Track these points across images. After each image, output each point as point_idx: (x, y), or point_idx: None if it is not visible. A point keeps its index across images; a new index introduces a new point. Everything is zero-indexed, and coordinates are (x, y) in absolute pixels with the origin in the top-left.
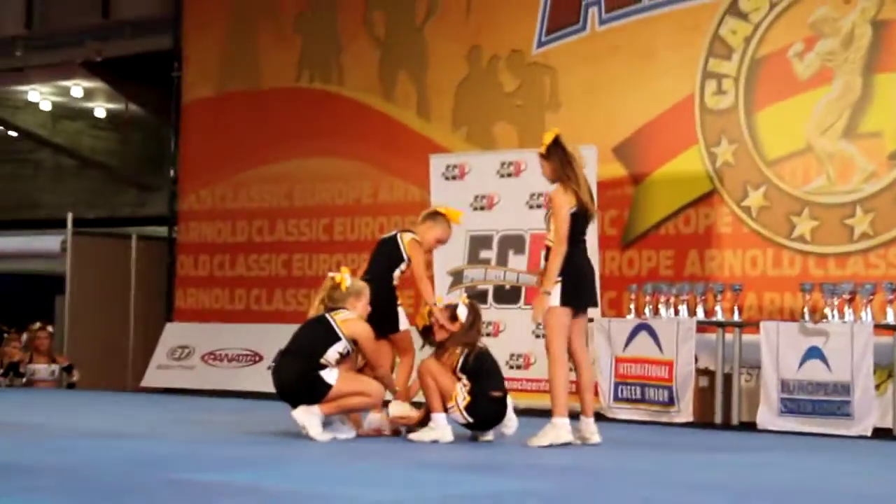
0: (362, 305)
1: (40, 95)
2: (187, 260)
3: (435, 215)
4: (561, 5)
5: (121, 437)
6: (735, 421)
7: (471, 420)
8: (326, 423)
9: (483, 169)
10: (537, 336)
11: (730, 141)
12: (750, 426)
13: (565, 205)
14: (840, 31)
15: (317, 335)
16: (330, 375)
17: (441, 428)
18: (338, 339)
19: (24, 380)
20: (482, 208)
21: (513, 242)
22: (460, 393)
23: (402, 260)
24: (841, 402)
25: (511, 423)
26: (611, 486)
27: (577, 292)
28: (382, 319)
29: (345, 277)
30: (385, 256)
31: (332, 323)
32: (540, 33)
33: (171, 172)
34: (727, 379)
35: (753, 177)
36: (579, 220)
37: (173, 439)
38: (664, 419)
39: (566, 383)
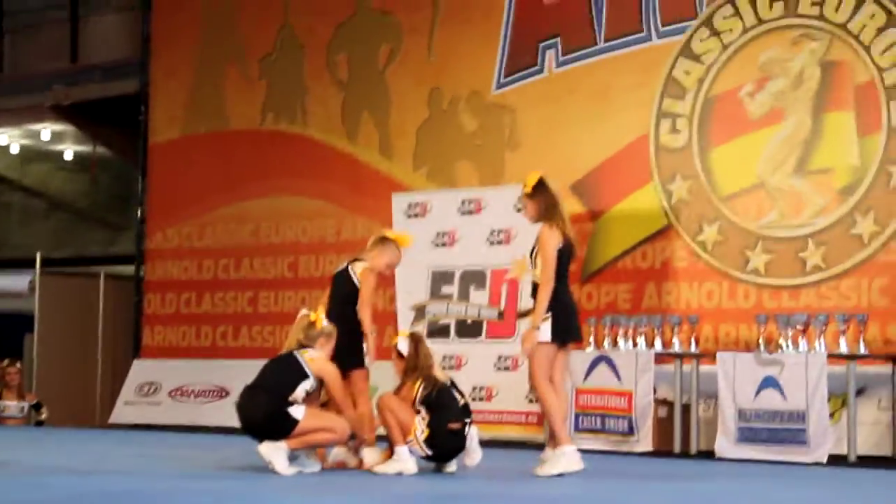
0: (329, 348)
1: (9, 138)
2: (154, 298)
3: (384, 241)
4: (519, 48)
5: (90, 473)
6: (693, 450)
7: (430, 452)
8: (292, 458)
9: (444, 207)
10: (499, 369)
11: (684, 178)
12: (708, 454)
13: (553, 242)
14: (790, 72)
15: (285, 372)
16: (297, 412)
17: (404, 460)
18: (306, 377)
19: None
20: (444, 244)
21: (474, 278)
22: (419, 426)
23: (356, 290)
24: (797, 430)
25: (474, 454)
26: None
27: (566, 327)
28: (347, 353)
29: (320, 317)
30: (340, 290)
31: (301, 361)
32: (499, 75)
33: (139, 212)
34: (685, 409)
35: (708, 212)
36: (565, 257)
37: (141, 475)
38: (624, 448)
39: (562, 411)
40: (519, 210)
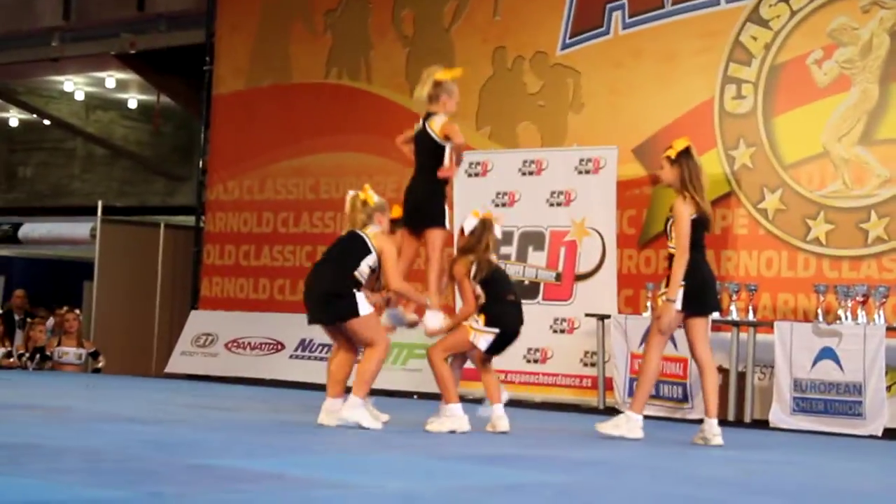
0: (386, 221)
1: (74, 85)
2: (213, 249)
3: (439, 84)
4: (585, 9)
5: (144, 422)
6: (748, 418)
7: (495, 330)
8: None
9: (505, 166)
10: (555, 331)
11: (748, 145)
12: (762, 424)
13: (686, 214)
14: (859, 41)
15: (352, 248)
16: (363, 305)
17: (458, 418)
18: (369, 252)
19: (51, 363)
20: (503, 204)
21: (533, 239)
22: (474, 323)
23: (438, 147)
24: (853, 403)
25: (501, 421)
26: (626, 479)
27: (701, 298)
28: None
29: (370, 194)
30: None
31: (364, 237)
32: (564, 36)
33: (200, 163)
34: (741, 377)
35: (770, 180)
36: (699, 228)
37: (196, 425)
38: (678, 415)
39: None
40: (659, 170)
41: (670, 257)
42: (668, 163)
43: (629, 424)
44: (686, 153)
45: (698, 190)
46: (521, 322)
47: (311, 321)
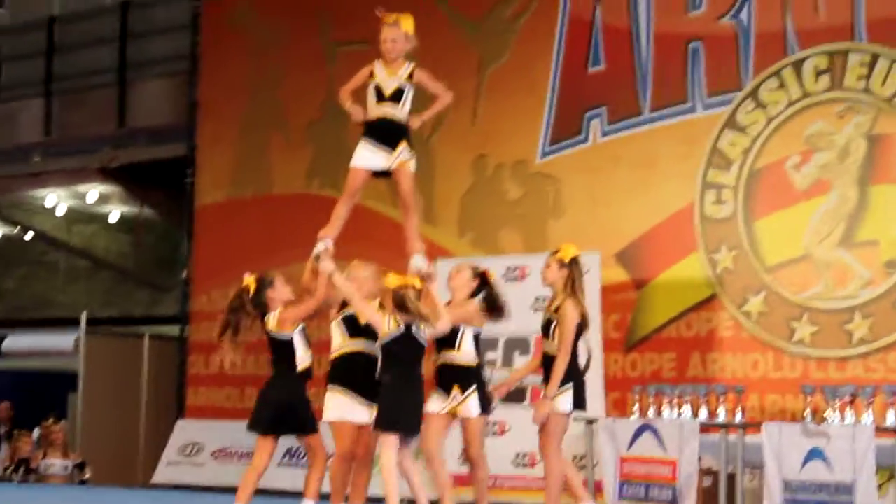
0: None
1: (57, 198)
2: (198, 359)
3: None
4: (564, 117)
5: None
6: None
7: None
8: None
9: None
10: None
11: (729, 248)
12: None
13: (575, 317)
14: (835, 145)
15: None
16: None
17: None
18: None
19: (37, 476)
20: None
21: (518, 345)
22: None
23: None
24: (844, 503)
25: None
26: None
27: (581, 399)
28: None
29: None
30: None
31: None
32: (543, 143)
33: (184, 274)
34: (730, 479)
35: (753, 283)
36: (580, 332)
37: None
38: None
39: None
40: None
41: (545, 357)
42: (557, 264)
43: None
44: (575, 260)
45: (582, 295)
46: None
47: None
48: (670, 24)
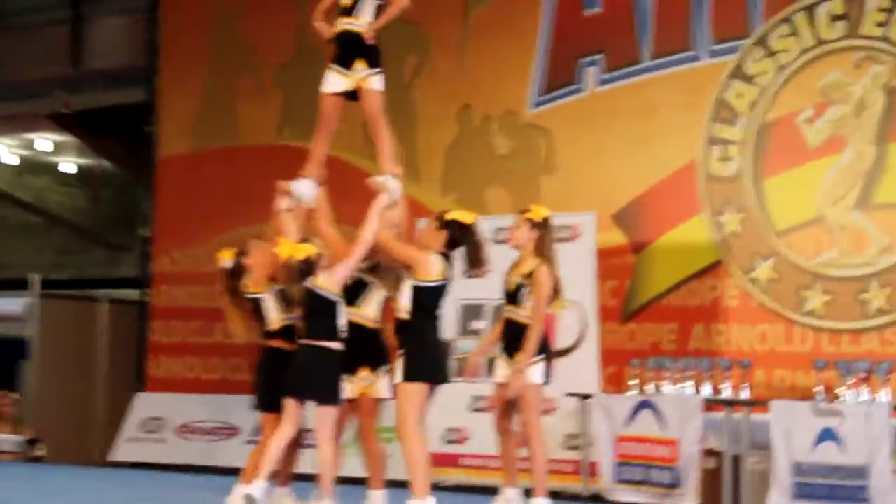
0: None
1: (6, 149)
2: (160, 325)
3: None
4: (557, 64)
5: None
6: None
7: None
8: None
9: None
10: None
11: (736, 209)
12: None
13: (549, 286)
14: (852, 98)
15: None
16: None
17: None
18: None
19: None
20: (474, 276)
21: None
22: None
23: None
24: (858, 487)
25: None
26: None
27: (551, 371)
28: None
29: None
30: None
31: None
32: (535, 93)
33: (145, 232)
34: (735, 460)
35: (762, 248)
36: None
37: None
38: (668, 502)
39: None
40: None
41: (510, 326)
42: (528, 224)
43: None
44: (547, 222)
45: (555, 262)
46: None
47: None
48: None
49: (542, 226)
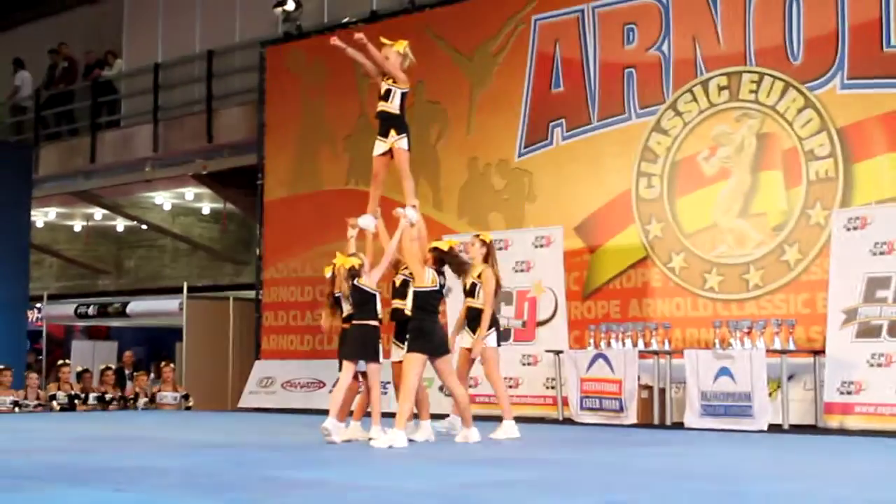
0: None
1: (163, 198)
2: (270, 315)
3: None
4: (534, 126)
5: (225, 446)
6: (668, 422)
7: None
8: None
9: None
10: (523, 364)
11: (657, 220)
12: (679, 426)
13: (493, 280)
14: (734, 141)
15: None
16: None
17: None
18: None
19: (155, 404)
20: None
21: (504, 297)
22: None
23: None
24: (745, 407)
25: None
26: (581, 473)
27: (500, 337)
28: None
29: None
30: None
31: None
32: (520, 146)
33: (258, 251)
34: (662, 392)
35: (675, 246)
36: (496, 292)
37: (263, 446)
38: (616, 422)
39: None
40: (467, 247)
41: (470, 310)
42: (479, 243)
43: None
44: (490, 242)
45: (496, 266)
46: None
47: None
48: (612, 55)
49: (488, 245)
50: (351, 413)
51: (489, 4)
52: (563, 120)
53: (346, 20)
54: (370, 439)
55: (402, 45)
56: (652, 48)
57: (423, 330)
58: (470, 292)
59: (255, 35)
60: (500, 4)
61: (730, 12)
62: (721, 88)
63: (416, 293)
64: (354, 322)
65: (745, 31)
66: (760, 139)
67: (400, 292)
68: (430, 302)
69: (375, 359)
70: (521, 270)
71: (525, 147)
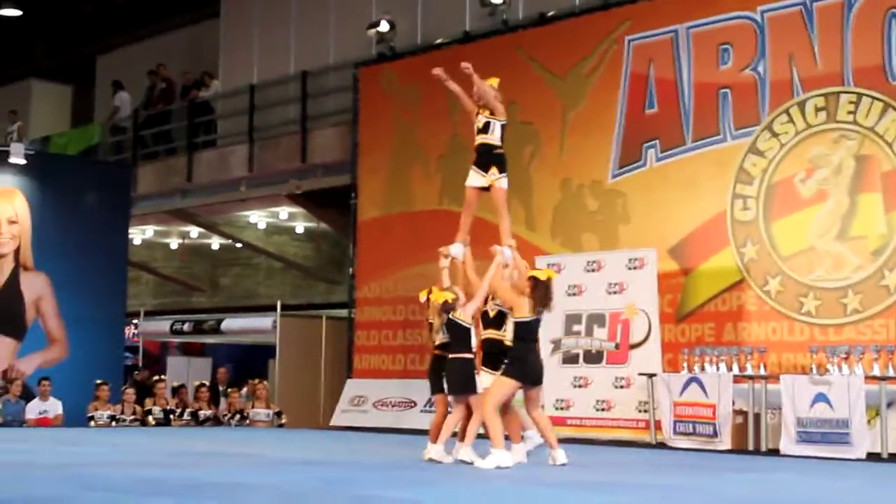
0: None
1: (257, 217)
2: (363, 334)
3: None
4: (628, 147)
5: (317, 463)
6: (763, 448)
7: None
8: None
9: (573, 266)
10: (616, 387)
11: (753, 243)
12: (774, 452)
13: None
14: (832, 164)
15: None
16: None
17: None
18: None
19: (248, 421)
20: (574, 294)
21: (597, 319)
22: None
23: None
24: (842, 434)
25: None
26: (674, 498)
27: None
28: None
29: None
30: None
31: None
32: (613, 167)
33: (351, 271)
34: (757, 417)
35: (772, 269)
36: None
37: (355, 465)
38: (710, 447)
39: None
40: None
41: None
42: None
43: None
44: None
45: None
46: None
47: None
48: (706, 75)
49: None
50: (454, 434)
51: (582, 25)
52: (657, 141)
53: (439, 41)
54: (469, 461)
55: (496, 81)
56: (747, 68)
57: (523, 359)
58: (495, 322)
59: (348, 56)
60: (594, 25)
61: (827, 32)
62: (818, 109)
63: (517, 323)
64: (451, 356)
65: (843, 51)
66: (859, 161)
67: (494, 322)
68: (530, 331)
69: (475, 390)
70: (615, 292)
71: (619, 168)
